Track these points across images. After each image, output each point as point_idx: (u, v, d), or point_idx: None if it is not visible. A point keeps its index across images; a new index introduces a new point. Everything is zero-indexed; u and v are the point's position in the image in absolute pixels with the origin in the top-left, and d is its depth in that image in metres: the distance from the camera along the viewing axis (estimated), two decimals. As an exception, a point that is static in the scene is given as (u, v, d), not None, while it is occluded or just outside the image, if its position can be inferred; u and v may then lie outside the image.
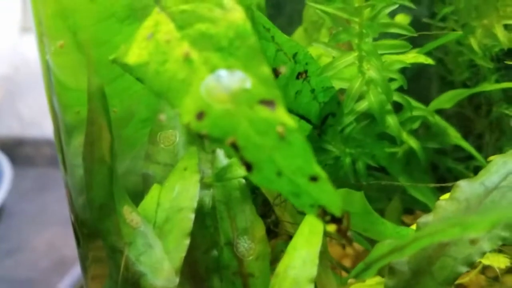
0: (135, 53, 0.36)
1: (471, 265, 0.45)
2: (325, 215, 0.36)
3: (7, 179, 1.38)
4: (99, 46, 0.52)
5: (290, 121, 0.33)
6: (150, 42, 0.36)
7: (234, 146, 0.34)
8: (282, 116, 0.33)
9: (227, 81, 0.33)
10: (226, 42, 0.34)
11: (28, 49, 1.78)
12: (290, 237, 0.63)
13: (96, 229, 0.43)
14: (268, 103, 0.33)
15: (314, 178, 0.34)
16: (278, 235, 0.62)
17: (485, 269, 0.69)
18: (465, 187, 0.47)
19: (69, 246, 1.32)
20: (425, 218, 0.47)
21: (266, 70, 0.33)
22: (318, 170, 0.34)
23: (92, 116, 0.42)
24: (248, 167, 0.34)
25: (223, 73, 0.34)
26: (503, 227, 0.44)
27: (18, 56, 1.80)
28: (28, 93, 1.88)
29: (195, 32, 0.35)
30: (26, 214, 1.48)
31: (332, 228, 0.36)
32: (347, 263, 0.69)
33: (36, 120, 1.87)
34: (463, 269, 0.45)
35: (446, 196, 0.49)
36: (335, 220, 0.36)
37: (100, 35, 0.53)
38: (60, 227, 1.42)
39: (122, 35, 0.55)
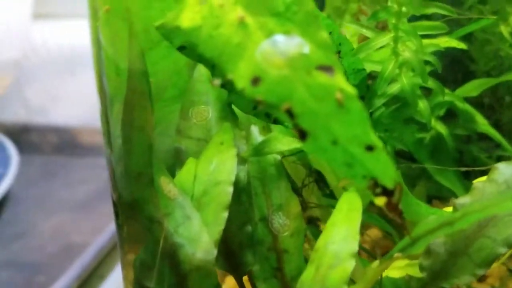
0: (188, 16, 0.35)
1: (511, 246, 0.44)
2: (375, 187, 0.36)
3: (14, 165, 1.38)
4: (134, 15, 0.52)
5: (349, 87, 0.32)
6: (204, 6, 0.35)
7: (290, 113, 0.33)
8: (340, 82, 0.32)
9: (283, 46, 0.33)
10: (283, 7, 0.33)
11: (39, 35, 1.77)
12: (311, 222, 0.63)
13: (134, 200, 0.43)
14: (326, 69, 0.32)
15: (370, 148, 0.33)
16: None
17: (507, 260, 0.69)
18: (504, 169, 0.46)
19: (76, 232, 1.31)
20: (462, 200, 0.46)
21: (324, 36, 0.33)
22: (375, 139, 0.33)
23: (132, 84, 0.42)
24: (303, 135, 0.33)
25: (279, 38, 0.33)
26: (545, 208, 0.44)
27: (28, 43, 1.79)
28: (36, 80, 1.87)
29: (250, -4, 0.34)
30: (32, 200, 1.47)
31: (381, 201, 0.36)
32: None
33: (43, 107, 1.86)
34: (502, 250, 0.44)
35: (482, 179, 0.49)
36: (386, 193, 0.35)
37: (133, 7, 0.53)
38: (67, 213, 1.42)
39: (153, 9, 0.55)
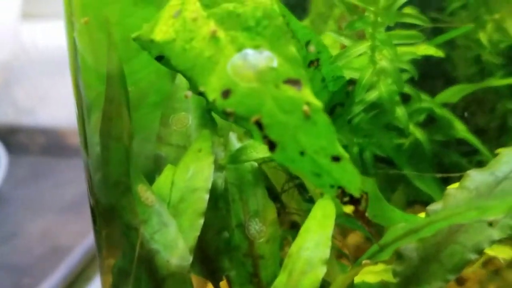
0: (162, 30, 0.36)
1: (480, 252, 0.46)
2: (343, 196, 0.37)
3: (2, 166, 1.37)
4: (113, 26, 0.53)
5: (316, 101, 0.33)
6: (177, 20, 0.36)
7: (259, 125, 0.34)
8: (307, 95, 0.33)
9: (253, 60, 0.34)
10: (253, 21, 0.34)
11: (27, 36, 1.76)
12: (293, 226, 0.64)
13: (111, 207, 0.44)
14: (294, 82, 0.33)
15: (336, 158, 0.34)
16: (282, 223, 0.63)
17: (486, 263, 0.70)
18: (475, 176, 0.48)
19: (64, 233, 1.31)
20: (435, 206, 0.47)
21: (292, 50, 0.34)
22: (341, 150, 0.34)
23: (110, 94, 0.42)
24: (272, 145, 0.34)
25: (250, 52, 0.34)
26: (513, 216, 0.45)
27: (17, 43, 1.78)
28: (25, 81, 1.87)
29: (222, 11, 0.35)
30: (20, 201, 1.47)
31: (349, 209, 0.37)
32: (346, 253, 0.69)
33: (31, 108, 1.86)
34: (472, 256, 0.45)
35: (455, 185, 0.50)
36: (353, 201, 0.37)
37: (114, 16, 0.54)
38: (55, 214, 1.42)
39: (134, 17, 0.56)
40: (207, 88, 0.34)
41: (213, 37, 0.35)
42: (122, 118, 0.42)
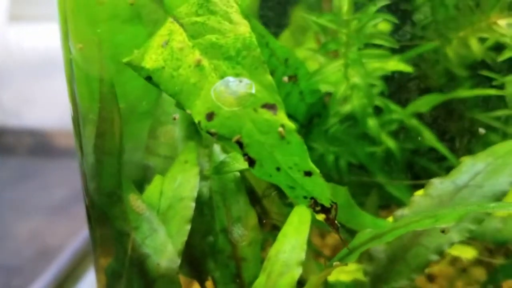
0: (152, 58, 0.40)
1: (442, 254, 0.50)
2: (316, 206, 0.41)
3: (-11, 168, 1.38)
4: (104, 43, 0.56)
5: (289, 123, 0.37)
6: (165, 49, 0.40)
7: (239, 144, 0.38)
8: (282, 118, 0.37)
9: (234, 87, 0.38)
10: (234, 52, 0.39)
11: (14, 38, 1.78)
12: (275, 228, 0.68)
13: (105, 214, 0.48)
14: (270, 106, 0.37)
15: (308, 173, 0.39)
16: (263, 226, 0.67)
17: (454, 261, 0.76)
18: (438, 185, 0.52)
19: (52, 235, 1.33)
20: (400, 212, 0.52)
21: (269, 78, 0.38)
22: (312, 166, 0.39)
23: (103, 112, 0.46)
24: (251, 162, 0.39)
25: (231, 79, 0.38)
26: (471, 220, 0.50)
27: (4, 45, 1.80)
28: (11, 82, 1.88)
29: (206, 42, 0.39)
30: (7, 203, 1.48)
31: (321, 217, 0.41)
32: (326, 252, 0.74)
33: (17, 109, 1.87)
34: (434, 257, 0.50)
35: (420, 192, 0.55)
36: (324, 210, 0.41)
37: (104, 34, 0.57)
38: (43, 216, 1.43)
39: (123, 34, 0.60)
40: (193, 111, 0.38)
41: (198, 65, 0.39)
42: (114, 134, 0.46)
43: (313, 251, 0.68)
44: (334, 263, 0.46)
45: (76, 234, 1.18)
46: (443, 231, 0.45)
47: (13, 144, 1.79)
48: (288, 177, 0.39)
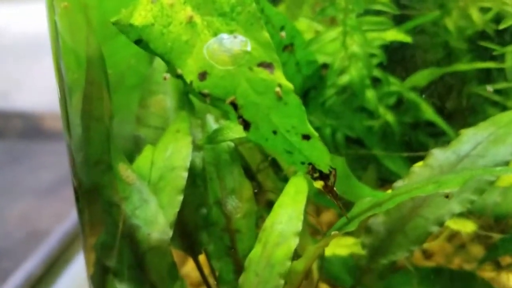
0: (141, 15, 0.38)
1: (442, 225, 0.49)
2: (313, 172, 0.39)
3: (-21, 151, 1.36)
4: (91, 10, 0.54)
5: (287, 82, 0.35)
6: (155, 6, 0.38)
7: (234, 105, 0.36)
8: (280, 77, 0.35)
9: (228, 44, 0.36)
10: (228, 7, 0.36)
11: (2, 21, 1.74)
12: (270, 205, 0.67)
13: (94, 187, 0.46)
14: (266, 65, 0.35)
15: (306, 137, 0.37)
16: (258, 202, 0.65)
17: (452, 237, 0.74)
18: (438, 155, 0.51)
19: (42, 218, 1.31)
20: (400, 183, 0.50)
21: (265, 35, 0.36)
22: (310, 129, 0.37)
23: (91, 76, 0.44)
24: (246, 125, 0.37)
25: (225, 36, 0.36)
26: (473, 191, 0.48)
27: (-8, 28, 1.76)
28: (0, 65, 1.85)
29: (198, -3, 0.37)
30: (-3, 186, 1.46)
31: (319, 184, 0.40)
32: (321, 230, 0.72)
33: (7, 92, 1.84)
34: (435, 228, 0.49)
35: (420, 164, 0.53)
36: (322, 177, 0.39)
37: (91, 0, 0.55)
38: (33, 199, 1.42)
39: (112, 1, 0.57)
40: (184, 70, 0.36)
41: (190, 22, 0.37)
42: (102, 99, 0.44)
43: (309, 227, 0.67)
44: (333, 233, 0.44)
45: (66, 216, 1.16)
46: (447, 197, 0.44)
47: (2, 127, 1.77)
48: (285, 141, 0.37)
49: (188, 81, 0.36)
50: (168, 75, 0.37)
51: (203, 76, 0.36)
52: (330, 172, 0.39)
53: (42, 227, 1.26)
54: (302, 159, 0.38)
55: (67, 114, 0.50)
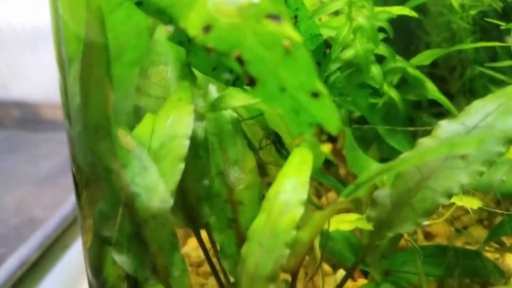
0: (143, -33, 0.36)
1: (450, 197, 0.48)
2: (321, 134, 0.38)
3: (-22, 141, 1.35)
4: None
5: (296, 35, 0.34)
6: (158, -42, 0.36)
7: (239, 60, 0.35)
8: (288, 30, 0.34)
9: (235, -4, 0.34)
10: (234, -42, 0.35)
11: (1, 13, 1.73)
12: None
13: (92, 153, 0.44)
14: (274, 17, 0.34)
15: (315, 94, 0.35)
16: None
17: (455, 219, 0.73)
18: (446, 127, 0.49)
19: (39, 206, 1.31)
20: (406, 154, 0.49)
21: (273, -13, 0.34)
22: (320, 86, 0.35)
23: (90, 38, 0.43)
24: (252, 82, 0.35)
25: (231, -12, 0.34)
26: (482, 162, 0.47)
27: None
28: (-2, 56, 1.83)
29: None
30: (-5, 174, 1.45)
31: (327, 148, 0.38)
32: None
33: (5, 83, 1.83)
34: (443, 200, 0.47)
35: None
36: (330, 140, 0.38)
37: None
38: (30, 187, 1.41)
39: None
40: (187, 24, 0.35)
41: (194, -26, 0.35)
42: (101, 62, 0.42)
43: (312, 207, 0.65)
44: (339, 199, 0.43)
45: (63, 204, 1.15)
46: (462, 158, 0.42)
47: (1, 117, 1.76)
48: (292, 99, 0.36)
49: (191, 35, 0.35)
50: (170, 28, 0.36)
51: (207, 29, 0.34)
52: (339, 134, 0.37)
53: (39, 215, 1.25)
54: (310, 120, 0.37)
55: (66, 96, 0.49)
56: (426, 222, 0.50)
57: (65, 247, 1.03)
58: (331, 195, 0.79)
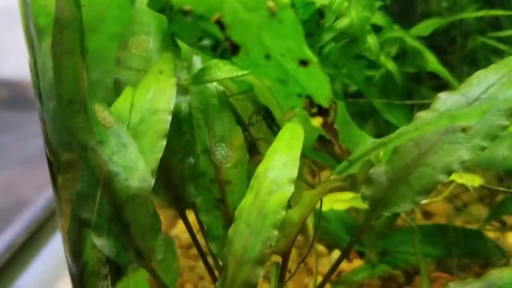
0: None
1: (450, 173, 0.45)
2: (311, 107, 0.35)
3: (-36, 121, 1.32)
4: None
5: (282, -4, 0.30)
6: None
7: (220, 24, 0.31)
8: (273, -10, 0.30)
9: (214, -47, 0.31)
10: None
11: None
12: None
13: (67, 129, 0.41)
14: (258, -24, 0.30)
15: (304, 62, 0.32)
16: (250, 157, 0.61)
17: (454, 197, 0.71)
18: (446, 99, 0.46)
19: (27, 187, 1.28)
20: (403, 128, 0.46)
21: None
22: (308, 53, 0.32)
23: (61, 4, 0.39)
24: (235, 48, 0.32)
25: None
26: (484, 136, 0.44)
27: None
28: (-16, 34, 1.79)
29: None
30: (-17, 155, 1.43)
31: (317, 122, 0.35)
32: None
33: (-8, 61, 1.79)
34: (442, 177, 0.44)
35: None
36: (321, 112, 0.35)
37: None
38: (18, 168, 1.38)
39: None
40: (163, -16, 0.31)
41: None
42: (73, 30, 0.39)
43: (305, 184, 0.62)
44: (332, 177, 0.40)
45: (51, 185, 1.12)
46: (463, 130, 0.39)
47: (-14, 97, 1.72)
48: (279, 68, 0.32)
49: (167, -4, 0.31)
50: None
51: (184, -10, 0.31)
52: (330, 106, 0.34)
53: (27, 197, 1.22)
54: (299, 91, 0.33)
55: (38, 81, 0.46)
56: (424, 201, 0.47)
57: (55, 228, 1.01)
58: (326, 173, 0.76)
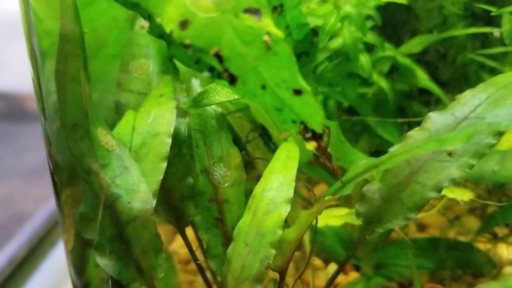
0: (115, -41, 0.34)
1: (440, 191, 0.46)
2: (305, 132, 0.36)
3: (-39, 133, 1.33)
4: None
5: (277, 31, 0.32)
6: (131, -51, 0.34)
7: (218, 57, 0.33)
8: (268, 25, 0.32)
9: (212, -11, 0.33)
10: (211, -51, 0.33)
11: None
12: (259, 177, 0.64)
13: (71, 153, 0.42)
14: (254, 12, 0.32)
15: (298, 92, 0.34)
16: (248, 174, 0.63)
17: (447, 210, 0.72)
18: (435, 118, 0.48)
19: (26, 199, 1.29)
20: (396, 147, 0.48)
21: (252, -21, 0.33)
22: (302, 83, 0.34)
23: (65, 32, 0.41)
24: (232, 79, 0.34)
25: (207, -20, 0.33)
26: (472, 154, 0.46)
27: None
28: (-19, 46, 1.80)
29: None
30: (-19, 167, 1.43)
31: (311, 146, 0.37)
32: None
33: (-11, 73, 1.80)
34: (433, 194, 0.46)
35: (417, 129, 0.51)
36: (315, 137, 0.36)
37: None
38: (17, 180, 1.39)
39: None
40: (163, 18, 0.33)
41: (169, -34, 0.33)
42: (77, 56, 0.41)
43: (301, 200, 0.64)
44: (327, 197, 0.41)
45: (51, 198, 1.13)
46: (449, 154, 0.41)
47: (-14, 109, 1.73)
48: (274, 97, 0.34)
49: (167, 30, 0.33)
50: (146, 24, 0.34)
51: (184, 24, 0.33)
52: (324, 131, 0.36)
53: (26, 210, 1.23)
54: (293, 117, 0.35)
55: (41, 94, 0.47)
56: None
57: (53, 242, 1.02)
58: (321, 187, 0.78)
